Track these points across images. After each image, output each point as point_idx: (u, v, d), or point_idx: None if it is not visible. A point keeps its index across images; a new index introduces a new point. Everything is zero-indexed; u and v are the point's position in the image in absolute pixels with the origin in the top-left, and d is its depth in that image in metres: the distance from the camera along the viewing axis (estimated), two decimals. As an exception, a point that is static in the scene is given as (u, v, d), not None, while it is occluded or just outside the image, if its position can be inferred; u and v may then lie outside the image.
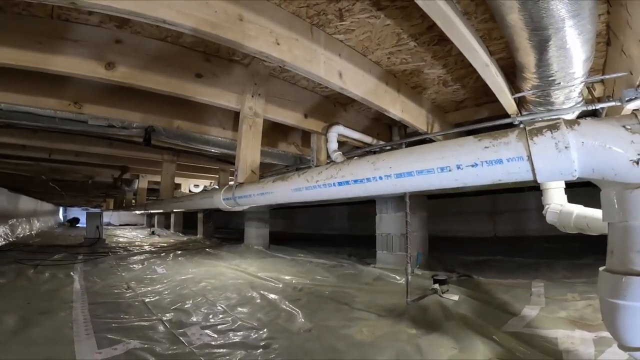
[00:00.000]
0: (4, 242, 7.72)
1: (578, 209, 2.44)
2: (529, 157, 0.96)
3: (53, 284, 3.74)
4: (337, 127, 2.94)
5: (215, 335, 2.30)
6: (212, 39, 1.46)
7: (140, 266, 5.09)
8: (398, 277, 3.89)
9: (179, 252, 6.84)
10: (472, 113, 3.09)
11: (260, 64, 2.25)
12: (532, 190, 4.47)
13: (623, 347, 1.06)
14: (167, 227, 13.82)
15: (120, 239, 9.99)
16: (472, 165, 1.05)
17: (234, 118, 3.10)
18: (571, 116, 2.11)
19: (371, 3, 1.66)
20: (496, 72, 1.80)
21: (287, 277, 4.14)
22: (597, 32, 1.54)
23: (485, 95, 2.57)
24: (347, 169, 1.42)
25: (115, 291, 3.50)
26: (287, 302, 3.02)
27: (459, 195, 6.49)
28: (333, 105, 3.06)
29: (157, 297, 3.27)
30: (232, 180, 2.24)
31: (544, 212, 2.76)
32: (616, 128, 0.94)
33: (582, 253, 4.44)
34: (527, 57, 1.52)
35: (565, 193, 2.72)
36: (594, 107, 1.97)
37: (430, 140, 2.84)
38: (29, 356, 1.96)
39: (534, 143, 0.95)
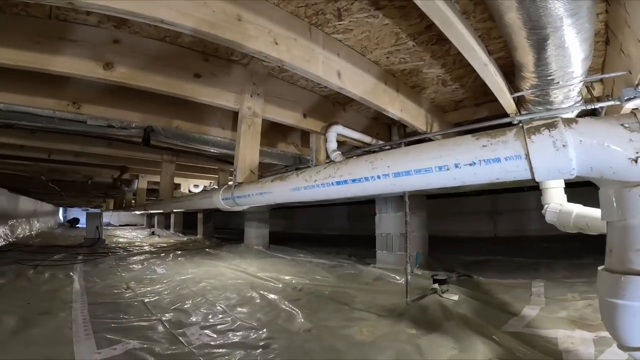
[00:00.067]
0: (3, 243, 7.72)
1: (577, 209, 2.44)
2: (527, 156, 0.96)
3: (53, 285, 3.74)
4: (336, 127, 2.94)
5: (215, 335, 2.30)
6: (210, 38, 1.46)
7: (140, 266, 5.09)
8: (398, 277, 3.88)
9: (179, 252, 6.84)
10: (471, 113, 3.09)
11: (259, 64, 2.25)
12: (532, 190, 4.46)
13: (622, 347, 1.05)
14: (167, 227, 13.82)
15: (120, 240, 9.98)
16: (470, 164, 1.05)
17: (233, 118, 3.10)
18: (570, 115, 2.10)
19: (369, 2, 1.66)
20: (495, 72, 1.80)
21: (286, 277, 4.14)
22: (595, 31, 1.54)
23: (484, 94, 2.56)
24: (345, 168, 1.42)
25: (115, 291, 3.50)
26: (286, 302, 3.02)
27: (459, 195, 6.48)
28: (332, 105, 3.06)
29: (156, 297, 3.27)
30: (231, 180, 2.24)
31: (543, 211, 2.76)
32: (614, 126, 0.94)
33: (582, 253, 4.43)
34: (526, 56, 1.52)
35: (565, 193, 2.71)
36: (593, 107, 1.97)
37: (430, 140, 2.84)
38: (29, 356, 1.96)
39: (532, 141, 0.95)
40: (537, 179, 0.99)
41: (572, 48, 1.38)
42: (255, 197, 1.94)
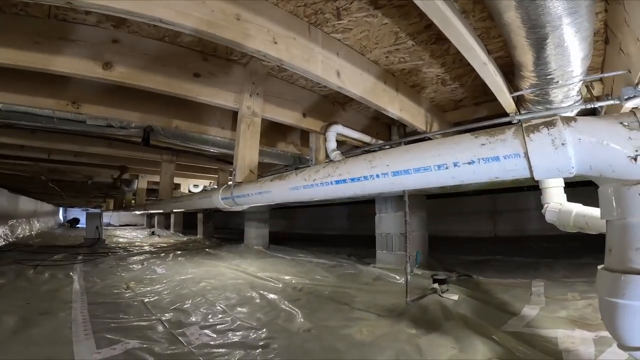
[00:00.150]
0: (4, 243, 7.73)
1: (577, 208, 2.43)
2: (526, 154, 0.95)
3: (53, 285, 3.74)
4: (335, 127, 2.94)
5: (215, 335, 2.29)
6: (209, 38, 1.45)
7: (140, 266, 5.09)
8: (398, 277, 3.88)
9: (179, 252, 6.84)
10: (471, 112, 3.08)
11: (258, 64, 2.25)
12: (532, 189, 4.46)
13: (623, 346, 1.04)
14: (167, 227, 13.83)
15: (120, 240, 9.99)
16: (469, 163, 1.04)
17: (232, 118, 3.10)
18: (570, 115, 2.10)
19: (368, 2, 1.66)
20: (494, 71, 1.80)
21: (286, 277, 4.14)
22: (595, 31, 1.53)
23: (484, 94, 2.56)
24: (344, 167, 1.41)
25: (115, 291, 3.50)
26: (286, 302, 3.02)
27: (459, 195, 6.47)
28: (332, 104, 3.06)
29: (156, 297, 3.27)
30: (230, 180, 2.24)
31: (543, 211, 2.75)
32: (614, 125, 0.93)
33: (582, 252, 4.43)
34: (525, 55, 1.52)
35: (565, 192, 2.71)
36: (592, 106, 1.96)
37: (429, 139, 2.84)
38: (29, 356, 1.96)
39: (531, 140, 0.95)
40: (536, 178, 0.99)
41: (571, 47, 1.38)
42: (255, 197, 1.94)
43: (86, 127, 2.73)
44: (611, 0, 1.54)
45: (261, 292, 3.41)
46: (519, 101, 2.24)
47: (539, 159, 0.94)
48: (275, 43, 1.64)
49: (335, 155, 2.92)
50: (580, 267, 3.81)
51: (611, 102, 1.77)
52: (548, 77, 1.65)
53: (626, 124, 0.92)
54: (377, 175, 1.28)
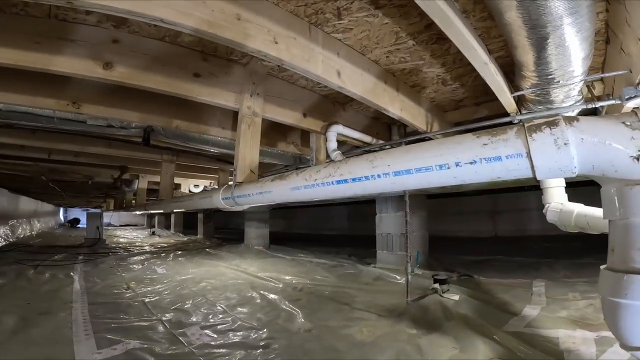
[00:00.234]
0: (4, 243, 7.73)
1: (578, 208, 2.43)
2: (528, 154, 0.95)
3: (53, 285, 3.74)
4: (336, 127, 2.93)
5: (215, 335, 2.29)
6: (210, 38, 1.45)
7: (140, 266, 5.09)
8: (398, 277, 3.88)
9: (179, 252, 6.84)
10: (472, 112, 3.08)
11: (259, 63, 2.25)
12: (533, 189, 4.45)
13: (625, 346, 1.04)
14: (168, 227, 13.83)
15: (121, 240, 9.99)
16: (471, 163, 1.04)
17: (233, 118, 3.10)
18: (571, 114, 2.10)
19: (369, 2, 1.66)
20: (495, 71, 1.79)
21: (287, 277, 4.14)
22: (596, 30, 1.53)
23: (485, 94, 2.56)
24: (345, 167, 1.41)
25: (115, 291, 3.50)
26: (287, 302, 3.02)
27: (459, 194, 6.46)
28: (332, 104, 3.05)
29: (156, 297, 3.26)
30: (231, 180, 2.24)
31: (544, 211, 2.75)
32: (616, 125, 0.93)
33: (583, 252, 4.42)
34: (526, 55, 1.51)
35: (566, 192, 2.71)
36: (593, 106, 1.96)
37: (430, 139, 2.83)
38: (29, 356, 1.96)
39: (533, 140, 0.94)
40: (538, 178, 0.99)
41: (572, 47, 1.38)
42: (255, 197, 1.93)
43: (86, 127, 2.73)
44: (612, 0, 1.53)
45: (261, 292, 3.41)
46: (520, 101, 2.24)
47: (542, 158, 0.94)
48: (276, 43, 1.64)
49: (336, 155, 2.92)
50: (582, 267, 3.81)
51: (612, 102, 1.77)
52: (549, 77, 1.65)
53: (628, 123, 0.92)
54: (379, 175, 1.27)
